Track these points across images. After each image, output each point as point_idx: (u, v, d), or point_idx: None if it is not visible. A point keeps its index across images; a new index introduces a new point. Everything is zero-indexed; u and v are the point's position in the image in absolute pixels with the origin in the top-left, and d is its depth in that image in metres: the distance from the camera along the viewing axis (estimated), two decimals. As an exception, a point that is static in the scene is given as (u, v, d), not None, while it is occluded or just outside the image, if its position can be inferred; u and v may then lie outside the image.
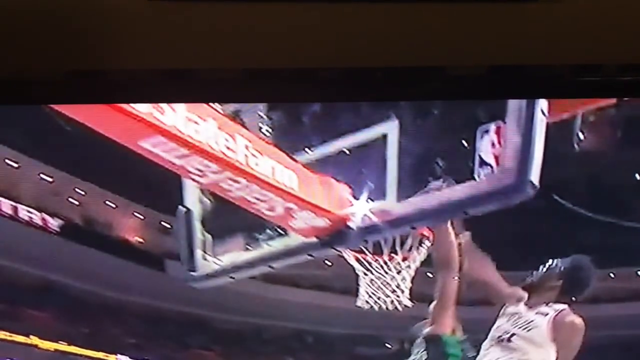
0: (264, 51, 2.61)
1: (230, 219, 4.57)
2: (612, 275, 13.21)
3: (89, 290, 13.74)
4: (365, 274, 6.26)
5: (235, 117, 4.25)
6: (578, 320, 3.65)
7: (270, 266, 4.66)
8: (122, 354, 13.70)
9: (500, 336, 3.74)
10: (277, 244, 4.59)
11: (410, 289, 6.21)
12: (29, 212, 12.81)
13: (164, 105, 3.51)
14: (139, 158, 3.79)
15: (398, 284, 6.23)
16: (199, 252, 4.65)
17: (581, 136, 4.60)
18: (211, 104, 3.88)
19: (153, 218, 14.10)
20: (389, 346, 11.38)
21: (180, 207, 4.64)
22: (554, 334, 3.62)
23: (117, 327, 14.10)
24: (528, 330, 3.68)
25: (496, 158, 4.04)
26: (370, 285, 6.33)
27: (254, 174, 4.01)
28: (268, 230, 4.60)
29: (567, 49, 2.63)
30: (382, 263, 6.09)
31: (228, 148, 3.87)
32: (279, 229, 4.57)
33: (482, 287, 4.03)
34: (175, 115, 3.58)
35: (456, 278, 4.09)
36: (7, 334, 12.23)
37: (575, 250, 4.01)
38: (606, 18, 2.62)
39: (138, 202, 13.91)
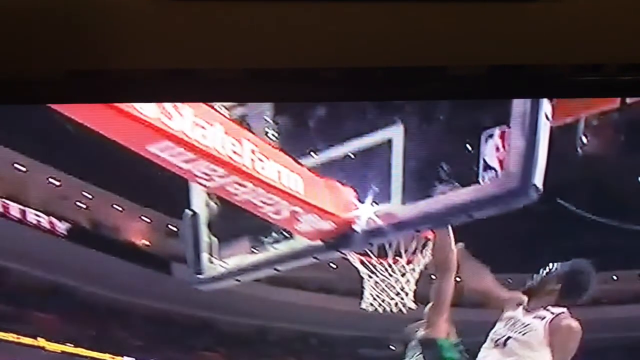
0: (266, 51, 2.61)
1: (236, 223, 4.59)
2: (614, 277, 13.19)
3: (95, 292, 13.77)
4: (370, 277, 6.28)
5: (241, 121, 4.28)
6: (574, 324, 3.64)
7: (275, 269, 4.67)
8: (128, 355, 13.72)
9: (497, 340, 3.74)
10: (282, 247, 4.61)
11: (415, 292, 6.23)
12: (37, 215, 12.86)
13: (171, 110, 3.53)
14: (146, 162, 3.82)
15: (402, 286, 6.25)
16: (205, 255, 4.67)
17: (584, 140, 4.61)
18: (217, 108, 3.91)
19: (160, 221, 14.14)
20: (393, 348, 11.38)
21: (186, 210, 4.66)
22: (550, 338, 3.60)
23: (123, 329, 14.11)
24: (524, 334, 3.67)
25: (500, 162, 4.05)
26: (375, 287, 6.35)
27: (260, 178, 4.02)
28: (274, 234, 4.61)
29: (567, 48, 2.61)
30: (386, 266, 6.11)
31: (235, 152, 3.89)
32: (284, 232, 4.59)
33: (481, 295, 4.03)
34: (183, 120, 3.61)
35: (457, 279, 4.11)
36: (15, 336, 12.27)
37: (578, 252, 4.00)
38: (606, 18, 2.61)
39: (145, 205, 13.95)
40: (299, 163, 4.28)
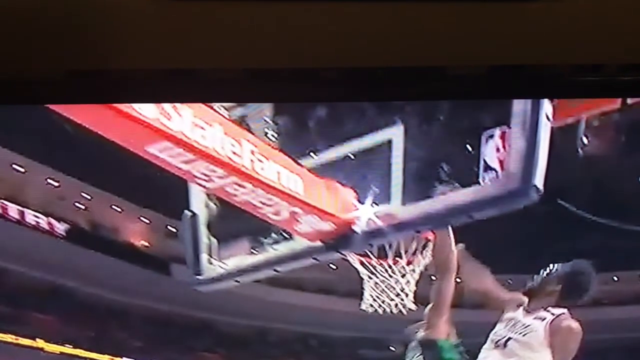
0: (265, 51, 2.60)
1: (235, 223, 4.58)
2: (615, 278, 13.22)
3: (94, 293, 13.77)
4: (370, 278, 6.27)
5: (241, 122, 4.27)
6: (575, 325, 3.63)
7: (275, 270, 4.67)
8: (127, 356, 13.72)
9: (498, 341, 3.73)
10: (282, 248, 4.60)
11: (415, 293, 6.22)
12: (35, 216, 12.87)
13: (170, 111, 3.52)
14: (145, 163, 3.81)
15: (402, 287, 6.24)
16: (204, 256, 4.66)
17: (585, 141, 4.60)
18: (217, 108, 3.90)
19: (159, 222, 14.15)
20: (393, 349, 11.39)
21: (186, 211, 4.66)
22: (551, 339, 3.60)
23: (122, 330, 14.12)
24: (524, 335, 3.66)
25: (501, 163, 4.04)
26: (375, 288, 6.34)
27: (260, 178, 4.02)
28: (273, 234, 4.61)
29: (567, 48, 2.61)
30: (386, 267, 6.11)
31: (234, 153, 3.88)
32: (284, 233, 4.58)
33: (481, 296, 4.02)
34: (182, 121, 3.59)
35: (458, 280, 4.10)
36: (14, 337, 12.27)
37: (578, 253, 3.99)
38: (606, 18, 2.61)
39: (144, 206, 13.96)
40: (299, 164, 4.27)
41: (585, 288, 3.73)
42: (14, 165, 12.28)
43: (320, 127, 4.32)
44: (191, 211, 4.64)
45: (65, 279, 13.20)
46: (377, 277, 6.22)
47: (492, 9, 2.62)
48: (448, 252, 4.11)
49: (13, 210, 12.59)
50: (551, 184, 4.02)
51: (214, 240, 4.66)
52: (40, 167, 12.50)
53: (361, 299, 6.68)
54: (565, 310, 3.65)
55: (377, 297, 6.42)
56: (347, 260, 6.03)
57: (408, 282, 6.17)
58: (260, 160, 4.00)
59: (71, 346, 13.13)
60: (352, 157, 4.35)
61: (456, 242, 4.15)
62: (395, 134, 4.21)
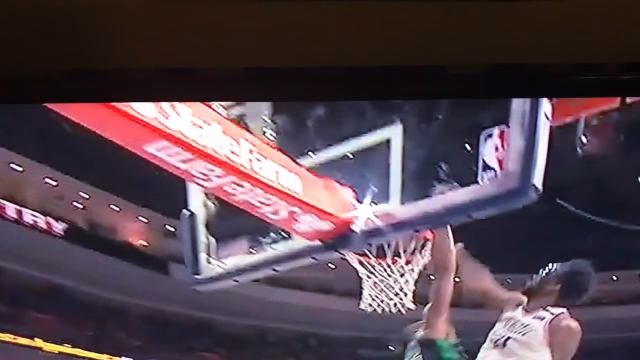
0: (264, 50, 2.60)
1: (234, 223, 4.58)
2: (614, 278, 13.23)
3: (93, 293, 13.77)
4: (369, 277, 6.27)
5: (239, 121, 4.26)
6: (574, 325, 3.62)
7: (274, 269, 4.66)
8: (126, 356, 13.72)
9: (497, 340, 3.73)
10: (281, 247, 4.59)
11: (414, 292, 6.22)
12: (33, 215, 12.86)
13: (168, 110, 3.51)
14: (143, 162, 3.80)
15: (401, 286, 6.24)
16: (203, 256, 4.66)
17: (584, 140, 4.60)
18: (215, 107, 3.89)
19: (157, 221, 14.15)
20: (392, 349, 11.40)
21: (184, 210, 4.64)
22: (550, 338, 3.59)
23: (121, 330, 14.12)
24: (523, 335, 3.66)
25: (500, 162, 4.03)
26: (374, 288, 6.34)
27: (258, 178, 4.01)
28: (272, 234, 4.60)
29: (567, 47, 2.61)
30: (385, 266, 6.11)
31: (232, 152, 3.87)
32: (282, 233, 4.57)
33: (480, 295, 4.02)
34: (180, 120, 3.59)
35: (457, 279, 4.10)
36: (12, 336, 12.26)
37: (577, 253, 3.99)
38: (606, 17, 2.61)
39: (142, 205, 13.96)
40: (297, 163, 4.26)
41: (584, 287, 3.73)
42: (11, 165, 12.27)
43: (319, 126, 4.31)
44: (189, 210, 4.63)
45: (64, 279, 13.19)
46: (376, 277, 6.22)
47: (492, 8, 2.62)
48: (447, 252, 4.11)
49: (11, 209, 12.59)
50: (550, 184, 4.02)
51: (213, 240, 4.65)
52: (38, 167, 12.50)
53: (360, 299, 6.68)
54: (564, 310, 3.65)
55: (376, 296, 6.42)
56: (346, 260, 6.03)
57: (407, 281, 6.17)
58: (259, 160, 3.99)
59: (70, 345, 13.13)
60: (351, 156, 4.34)
61: (455, 242, 4.14)
62: (394, 133, 4.20)
